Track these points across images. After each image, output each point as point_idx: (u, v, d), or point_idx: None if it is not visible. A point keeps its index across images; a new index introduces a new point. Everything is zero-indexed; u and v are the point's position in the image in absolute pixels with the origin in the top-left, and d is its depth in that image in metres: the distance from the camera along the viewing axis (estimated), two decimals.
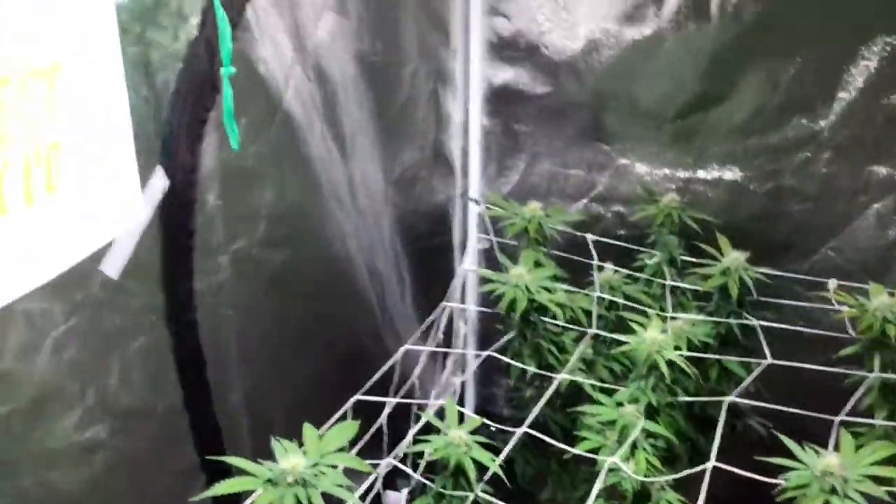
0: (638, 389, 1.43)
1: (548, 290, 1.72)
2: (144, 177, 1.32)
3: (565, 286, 1.85)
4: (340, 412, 1.42)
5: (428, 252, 2.35)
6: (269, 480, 1.09)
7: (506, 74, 2.26)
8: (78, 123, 1.15)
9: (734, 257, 1.74)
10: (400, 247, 2.29)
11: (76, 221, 1.18)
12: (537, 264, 1.82)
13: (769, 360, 1.58)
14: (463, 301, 2.14)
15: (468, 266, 2.11)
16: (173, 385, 1.45)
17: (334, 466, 1.14)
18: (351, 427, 1.20)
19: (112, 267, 1.27)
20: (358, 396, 1.50)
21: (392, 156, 2.13)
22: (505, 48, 2.23)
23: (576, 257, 2.00)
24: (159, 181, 1.35)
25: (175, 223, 1.41)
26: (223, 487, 1.08)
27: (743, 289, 1.72)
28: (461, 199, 2.42)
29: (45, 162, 1.11)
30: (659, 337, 1.41)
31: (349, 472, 1.15)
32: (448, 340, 1.97)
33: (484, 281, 1.85)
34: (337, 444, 1.17)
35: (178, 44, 1.35)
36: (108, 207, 1.24)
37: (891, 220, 2.02)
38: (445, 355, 1.93)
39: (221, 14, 1.27)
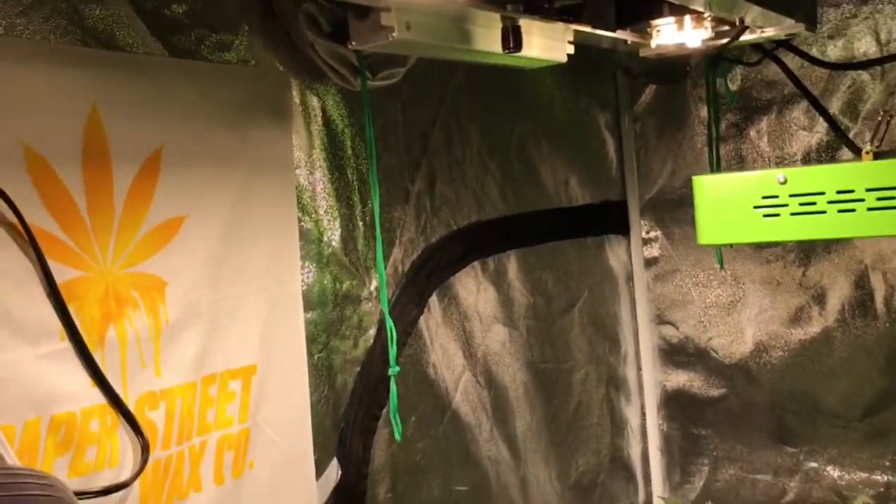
0: None
1: None
2: (321, 467, 1.49)
3: None
4: None
5: None
6: None
7: (679, 378, 2.31)
8: (266, 416, 1.37)
9: None
10: None
11: (258, 503, 1.35)
12: None
13: None
14: None
15: None
16: None
17: None
18: None
19: None
20: None
21: (567, 459, 2.18)
22: (675, 353, 2.31)
23: None
24: (334, 471, 1.51)
25: None
26: None
27: None
28: None
29: (235, 448, 1.32)
30: None
31: None
32: None
33: None
34: None
35: (357, 351, 1.59)
36: (287, 492, 1.41)
37: None
38: None
39: (390, 323, 1.51)
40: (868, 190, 1.44)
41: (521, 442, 2.03)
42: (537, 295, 2.11)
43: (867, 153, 1.49)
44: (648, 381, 2.34)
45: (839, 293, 2.06)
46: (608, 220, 2.32)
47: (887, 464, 2.06)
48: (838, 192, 1.46)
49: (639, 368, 2.35)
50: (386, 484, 1.63)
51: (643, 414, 2.36)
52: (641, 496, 2.37)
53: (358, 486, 1.57)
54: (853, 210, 1.44)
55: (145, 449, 1.13)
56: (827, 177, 1.49)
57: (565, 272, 2.19)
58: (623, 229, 2.34)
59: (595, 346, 2.27)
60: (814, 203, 1.48)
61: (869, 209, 1.42)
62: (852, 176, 1.47)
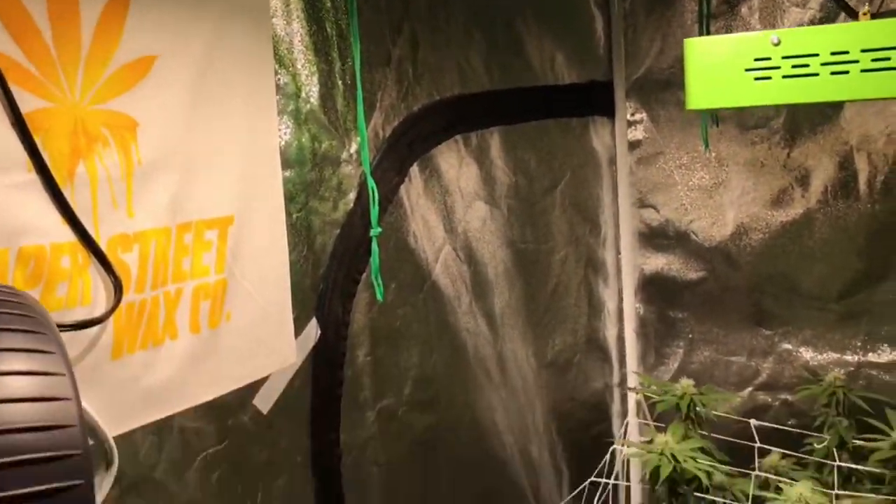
0: None
1: (695, 460, 1.65)
2: (300, 326, 1.48)
3: (725, 467, 1.77)
4: None
5: (587, 444, 2.32)
6: None
7: (657, 262, 2.32)
8: (243, 269, 1.35)
9: None
10: (555, 435, 2.28)
11: (234, 354, 1.34)
12: (686, 437, 1.76)
13: None
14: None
15: (621, 446, 2.05)
16: None
17: None
18: None
19: (264, 402, 1.40)
20: None
21: (544, 338, 2.20)
22: (655, 237, 2.31)
23: (738, 440, 1.92)
24: (313, 330, 1.50)
25: (325, 372, 1.53)
26: None
27: None
28: (619, 389, 2.41)
29: (212, 298, 1.30)
30: (807, 493, 1.31)
31: None
32: None
33: None
34: None
35: (336, 213, 1.56)
36: (264, 347, 1.40)
37: None
38: None
39: (371, 183, 1.48)
40: (863, 51, 1.40)
41: (499, 318, 2.03)
42: (519, 174, 2.08)
43: (864, 14, 1.45)
44: (627, 264, 2.34)
45: (823, 175, 2.05)
46: (594, 100, 2.27)
47: (858, 344, 2.09)
48: (832, 54, 1.42)
49: (618, 252, 2.35)
50: (365, 347, 1.63)
51: (620, 297, 2.37)
52: (616, 377, 2.40)
53: (337, 346, 1.56)
54: (846, 72, 1.40)
55: (118, 288, 1.10)
56: (822, 37, 1.45)
57: (548, 152, 2.16)
58: (608, 111, 2.29)
59: (575, 228, 2.26)
60: (807, 65, 1.44)
61: (862, 70, 1.39)
62: (848, 36, 1.43)
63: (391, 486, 1.69)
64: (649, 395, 1.97)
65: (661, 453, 1.62)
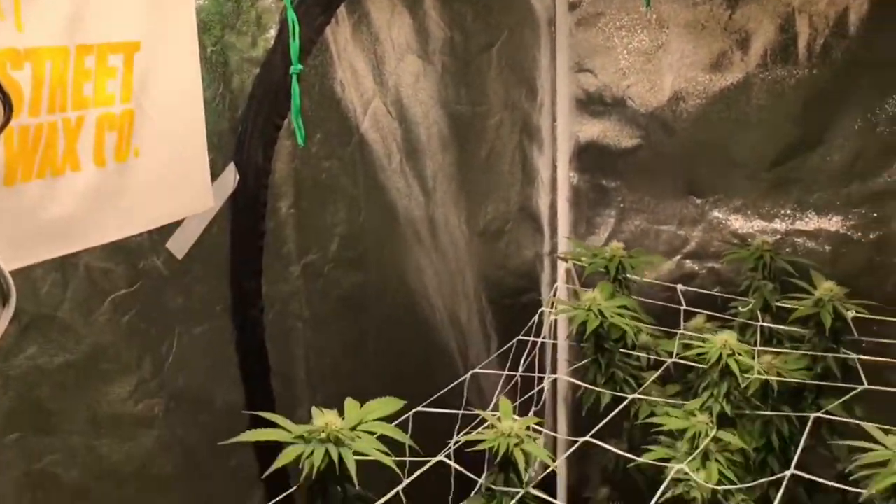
0: (711, 397, 1.32)
1: (622, 316, 1.65)
2: (217, 170, 1.39)
3: (651, 327, 1.79)
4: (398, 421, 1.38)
5: (516, 311, 2.32)
6: (301, 436, 1.07)
7: (593, 129, 2.27)
8: (153, 100, 1.24)
9: (827, 287, 1.63)
10: (485, 302, 2.27)
11: (143, 193, 1.25)
12: (614, 296, 1.76)
13: (865, 386, 1.45)
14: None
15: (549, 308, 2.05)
16: (235, 382, 1.46)
17: (372, 433, 1.11)
18: (393, 403, 1.17)
19: (177, 247, 1.33)
20: (420, 408, 1.46)
21: (477, 205, 2.15)
22: (591, 103, 2.25)
23: (664, 303, 1.93)
24: (231, 175, 1.42)
25: (245, 221, 1.46)
26: (254, 435, 1.06)
27: (838, 322, 1.60)
28: (549, 258, 2.40)
29: (118, 129, 1.20)
30: (731, 340, 1.31)
31: None
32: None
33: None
34: (378, 414, 1.14)
35: (256, 51, 1.45)
36: (177, 189, 1.31)
37: None
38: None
39: (292, 15, 1.37)
40: None
41: (430, 181, 1.97)
42: (455, 29, 1.98)
43: None
44: (563, 131, 2.29)
45: (763, 37, 2.00)
46: None
47: (787, 212, 2.11)
48: None
49: (553, 119, 2.29)
50: (289, 198, 1.55)
51: (554, 166, 2.32)
52: (547, 246, 2.38)
53: (258, 195, 1.48)
54: None
55: (7, 104, 1.00)
56: None
57: (485, 7, 2.06)
58: None
59: (511, 92, 2.18)
60: None
61: None
62: None
63: (316, 342, 1.65)
64: (578, 259, 1.96)
65: (589, 309, 1.61)
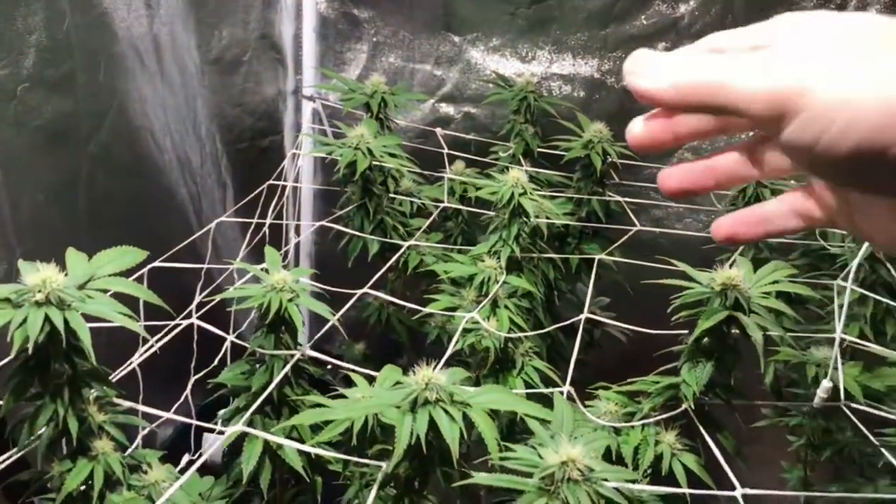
0: (500, 240, 1.20)
1: (394, 156, 1.47)
2: None
3: (413, 170, 1.63)
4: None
5: (255, 155, 2.05)
6: (7, 299, 0.78)
7: None
8: None
9: (597, 129, 1.56)
10: (220, 143, 1.97)
11: None
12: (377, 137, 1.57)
13: (637, 227, 1.42)
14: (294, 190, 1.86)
15: (299, 150, 1.82)
16: None
17: (106, 291, 0.84)
18: (133, 253, 0.90)
19: None
20: (156, 263, 1.19)
21: (208, 27, 1.82)
22: None
23: (426, 147, 1.78)
24: None
25: None
26: None
27: (606, 165, 1.55)
28: (293, 97, 2.13)
29: None
30: (522, 178, 1.19)
31: None
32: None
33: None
34: (113, 268, 0.86)
35: None
36: None
37: None
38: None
39: None
40: None
41: None
42: None
43: None
44: None
45: None
46: None
47: (545, 55, 2.02)
48: None
49: None
50: None
51: None
52: (290, 84, 2.11)
53: None
54: None
55: None
56: None
57: None
58: None
59: None
60: None
61: None
62: None
63: (9, 184, 1.29)
64: (332, 91, 1.73)
65: (357, 147, 1.41)
